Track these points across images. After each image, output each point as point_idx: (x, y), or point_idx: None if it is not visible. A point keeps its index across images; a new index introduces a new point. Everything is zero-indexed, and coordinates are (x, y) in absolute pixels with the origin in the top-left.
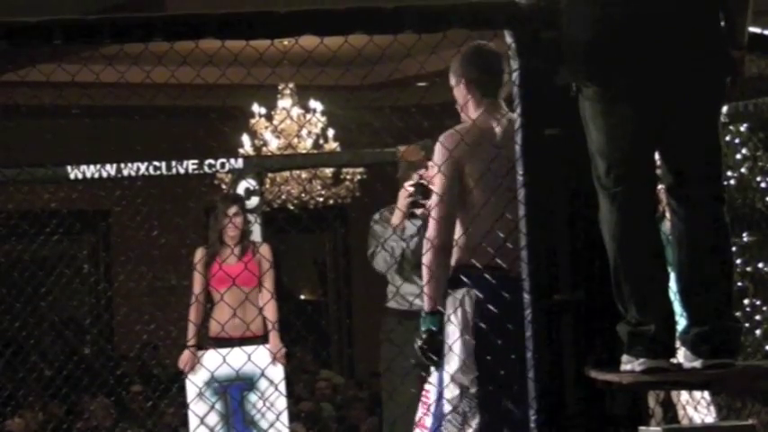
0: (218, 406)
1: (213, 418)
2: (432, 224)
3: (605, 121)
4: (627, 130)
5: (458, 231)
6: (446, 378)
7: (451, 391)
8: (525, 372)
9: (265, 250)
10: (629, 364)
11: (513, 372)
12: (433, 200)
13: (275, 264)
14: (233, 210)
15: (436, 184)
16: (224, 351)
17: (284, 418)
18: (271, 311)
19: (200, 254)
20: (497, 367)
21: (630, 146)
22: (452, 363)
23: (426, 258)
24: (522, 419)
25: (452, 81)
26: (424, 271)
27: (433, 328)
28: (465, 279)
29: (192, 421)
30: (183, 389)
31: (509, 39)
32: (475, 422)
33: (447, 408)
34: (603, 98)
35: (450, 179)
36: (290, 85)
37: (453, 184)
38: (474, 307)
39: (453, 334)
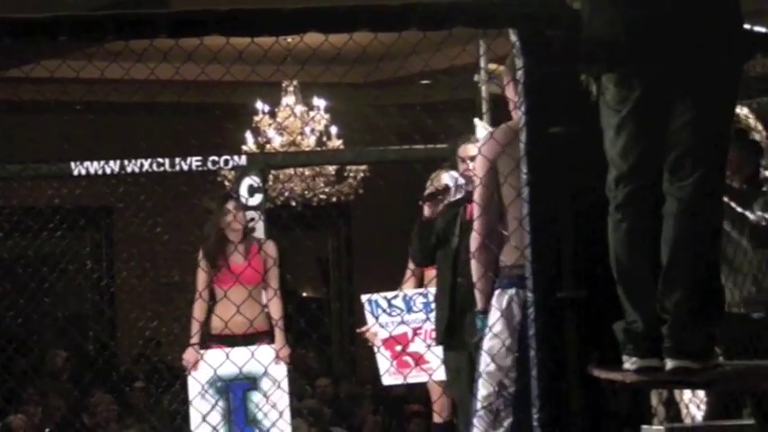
0: (220, 404)
1: (215, 417)
2: (476, 219)
3: (620, 132)
4: (639, 144)
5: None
6: (483, 374)
7: (487, 388)
8: None
9: (270, 247)
10: (627, 362)
11: None
12: (476, 193)
13: (279, 261)
14: (232, 205)
15: (478, 179)
16: (228, 349)
17: (286, 417)
18: (276, 309)
19: (204, 250)
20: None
21: (640, 160)
22: (495, 359)
23: (475, 254)
24: None
25: (504, 80)
26: (475, 267)
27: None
28: (514, 279)
29: (195, 419)
30: (185, 386)
31: (513, 37)
32: (507, 422)
33: (479, 404)
34: (621, 106)
35: (488, 174)
36: (294, 83)
37: (493, 176)
38: (521, 307)
39: (498, 332)
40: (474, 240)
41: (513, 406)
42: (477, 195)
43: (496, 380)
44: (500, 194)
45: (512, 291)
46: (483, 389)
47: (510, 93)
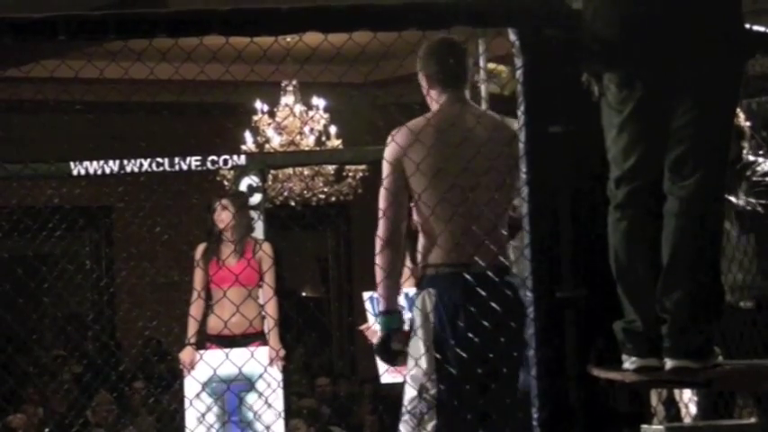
0: (216, 405)
1: (210, 418)
2: (380, 221)
3: (622, 132)
4: (641, 144)
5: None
6: (408, 378)
7: (410, 392)
8: (487, 371)
9: (266, 248)
10: (627, 362)
11: (471, 373)
12: (380, 197)
13: (276, 261)
14: (223, 203)
15: (383, 180)
16: (225, 350)
17: (281, 420)
18: (272, 310)
19: (201, 250)
20: (455, 368)
21: (642, 160)
22: (412, 363)
23: (377, 257)
24: (479, 422)
25: (419, 76)
26: (377, 270)
27: (392, 329)
28: (427, 278)
29: (190, 420)
30: (183, 386)
31: (512, 36)
32: (431, 425)
33: (404, 408)
34: (622, 106)
35: (392, 174)
36: (294, 82)
37: (396, 178)
38: (434, 307)
39: (419, 334)
40: (376, 244)
41: (435, 408)
42: (380, 199)
43: (418, 383)
44: (409, 196)
45: (424, 292)
46: (408, 393)
47: (424, 89)
